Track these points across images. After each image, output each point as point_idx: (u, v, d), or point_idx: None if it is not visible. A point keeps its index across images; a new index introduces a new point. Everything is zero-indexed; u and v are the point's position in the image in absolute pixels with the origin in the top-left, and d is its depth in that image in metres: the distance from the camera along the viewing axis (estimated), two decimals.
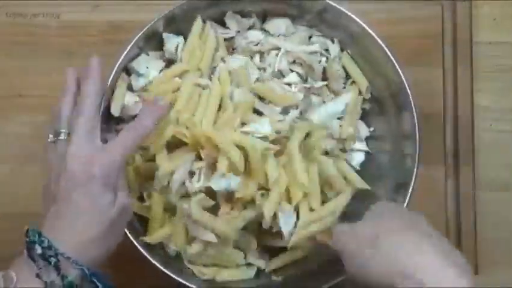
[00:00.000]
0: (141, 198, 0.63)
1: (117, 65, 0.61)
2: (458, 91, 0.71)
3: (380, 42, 0.62)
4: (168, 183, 0.60)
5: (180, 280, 0.59)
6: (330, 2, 0.62)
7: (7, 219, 0.69)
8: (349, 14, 0.62)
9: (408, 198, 0.61)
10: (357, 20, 0.62)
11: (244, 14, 0.66)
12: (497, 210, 0.71)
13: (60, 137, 0.55)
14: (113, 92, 0.62)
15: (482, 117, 0.71)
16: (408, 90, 0.61)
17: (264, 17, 0.67)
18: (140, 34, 0.61)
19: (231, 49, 0.67)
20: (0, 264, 0.52)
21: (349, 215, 0.59)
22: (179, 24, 0.64)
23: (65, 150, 0.53)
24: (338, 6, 0.63)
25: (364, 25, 0.62)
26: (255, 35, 0.66)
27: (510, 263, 0.70)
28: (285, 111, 0.64)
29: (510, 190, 0.71)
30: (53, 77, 0.70)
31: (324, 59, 0.66)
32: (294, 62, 0.66)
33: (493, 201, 0.71)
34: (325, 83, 0.66)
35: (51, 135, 0.56)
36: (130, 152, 0.55)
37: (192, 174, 0.60)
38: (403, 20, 0.71)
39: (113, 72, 0.61)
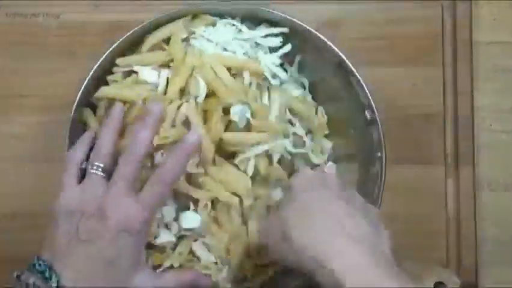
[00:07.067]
0: None
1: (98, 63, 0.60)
2: (458, 91, 0.71)
3: (324, 39, 0.60)
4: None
5: None
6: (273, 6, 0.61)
7: (6, 219, 0.69)
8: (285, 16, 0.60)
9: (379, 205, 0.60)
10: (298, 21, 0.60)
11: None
12: (497, 210, 0.71)
13: (94, 171, 0.53)
14: None
15: (482, 117, 0.71)
16: (364, 85, 0.60)
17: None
18: (124, 37, 0.60)
19: None
20: None
21: None
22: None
23: (100, 192, 0.52)
24: (271, 11, 0.60)
25: (306, 26, 0.60)
26: None
27: (510, 263, 0.70)
28: None
29: (510, 190, 0.71)
30: (53, 77, 0.70)
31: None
32: None
33: (493, 201, 0.71)
34: None
35: (78, 159, 0.55)
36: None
37: None
38: (403, 20, 0.71)
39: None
